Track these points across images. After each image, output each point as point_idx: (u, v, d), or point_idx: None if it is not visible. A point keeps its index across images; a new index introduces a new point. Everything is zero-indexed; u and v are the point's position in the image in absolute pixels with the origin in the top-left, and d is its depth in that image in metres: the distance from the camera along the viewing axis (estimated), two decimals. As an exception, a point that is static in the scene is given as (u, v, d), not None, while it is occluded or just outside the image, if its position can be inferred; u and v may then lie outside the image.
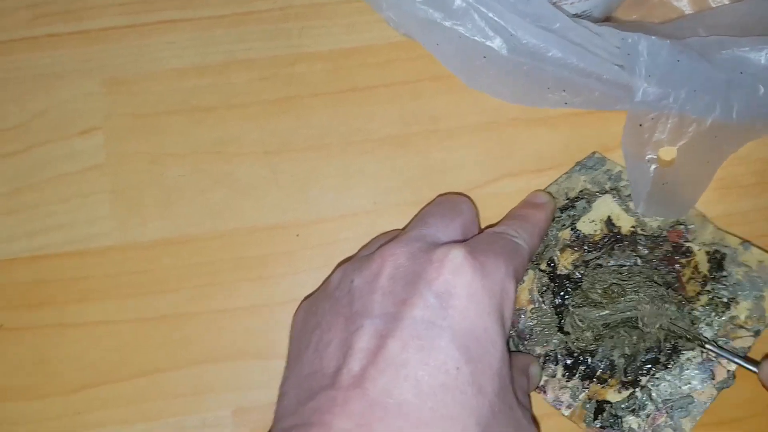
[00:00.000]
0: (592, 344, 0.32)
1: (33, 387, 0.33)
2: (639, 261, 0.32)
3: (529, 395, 0.31)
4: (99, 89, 0.35)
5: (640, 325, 0.32)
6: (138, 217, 0.34)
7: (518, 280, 0.28)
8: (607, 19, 0.32)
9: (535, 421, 0.30)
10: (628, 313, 0.32)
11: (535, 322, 0.33)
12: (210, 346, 0.33)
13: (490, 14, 0.25)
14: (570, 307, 0.32)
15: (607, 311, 0.32)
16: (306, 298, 0.32)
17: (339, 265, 0.30)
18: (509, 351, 0.29)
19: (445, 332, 0.25)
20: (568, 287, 0.33)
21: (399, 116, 0.35)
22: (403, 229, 0.32)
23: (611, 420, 0.31)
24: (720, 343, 0.31)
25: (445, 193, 0.34)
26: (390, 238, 0.30)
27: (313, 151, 0.35)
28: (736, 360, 0.31)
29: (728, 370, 0.31)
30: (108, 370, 0.33)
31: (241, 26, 0.35)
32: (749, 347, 0.31)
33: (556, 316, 0.32)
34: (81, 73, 0.35)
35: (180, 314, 0.33)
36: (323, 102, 0.35)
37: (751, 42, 0.28)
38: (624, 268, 0.32)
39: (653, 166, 0.29)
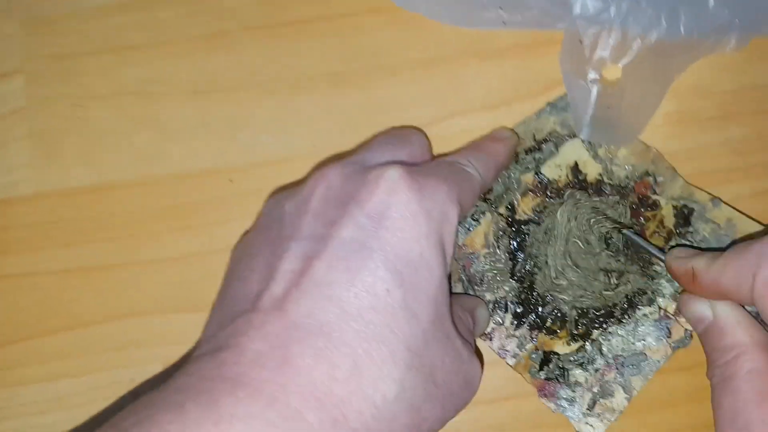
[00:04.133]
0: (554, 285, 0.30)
1: (-47, 344, 0.31)
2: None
3: (473, 336, 0.29)
4: (18, 30, 0.33)
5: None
6: (60, 163, 0.32)
7: (464, 209, 0.26)
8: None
9: (480, 356, 0.28)
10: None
11: (487, 267, 0.31)
12: (138, 298, 0.31)
13: None
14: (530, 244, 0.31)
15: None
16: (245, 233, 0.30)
17: (272, 194, 0.29)
18: (450, 282, 0.27)
19: (375, 254, 0.23)
20: (525, 233, 0.31)
21: (338, 52, 0.33)
22: None
23: (557, 372, 0.30)
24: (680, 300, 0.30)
25: (397, 126, 0.32)
26: None
27: (246, 90, 0.33)
28: (646, 246, 0.29)
29: (685, 329, 0.30)
30: (31, 324, 0.31)
31: (166, -42, 0.33)
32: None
33: (510, 262, 0.31)
34: (-1, 14, 0.33)
35: (106, 265, 0.32)
36: (256, 37, 0.33)
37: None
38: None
39: (596, 87, 0.27)
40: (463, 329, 0.26)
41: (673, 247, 0.30)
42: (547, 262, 0.31)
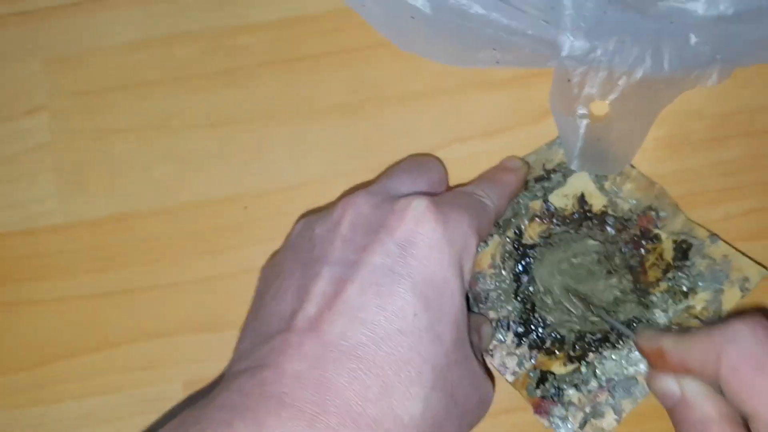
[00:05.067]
0: (551, 310, 0.32)
1: (-11, 365, 0.33)
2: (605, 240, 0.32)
3: (481, 353, 0.31)
4: (42, 68, 0.35)
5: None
6: (85, 194, 0.34)
7: (481, 238, 0.28)
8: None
9: (490, 376, 0.30)
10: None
11: (492, 287, 0.32)
12: (160, 320, 0.33)
13: (409, -29, 0.24)
14: (533, 268, 0.32)
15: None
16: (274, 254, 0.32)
17: (301, 217, 0.30)
18: (468, 305, 0.29)
19: (404, 279, 0.25)
20: (530, 256, 0.32)
21: (346, 84, 0.34)
22: None
23: (553, 391, 0.31)
24: (673, 330, 0.31)
25: (415, 154, 0.34)
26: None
27: (260, 122, 0.34)
28: (616, 325, 0.31)
29: None
30: (62, 346, 0.33)
31: (182, -2, 0.35)
32: None
33: (514, 284, 0.32)
34: (24, 53, 0.35)
35: (130, 290, 0.34)
36: (268, 72, 0.34)
37: (689, -8, 0.27)
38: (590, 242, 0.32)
39: (585, 122, 0.28)
40: (475, 348, 0.28)
41: (639, 325, 0.31)
42: (539, 278, 0.32)
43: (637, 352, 0.31)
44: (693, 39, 0.26)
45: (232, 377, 0.25)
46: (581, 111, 0.28)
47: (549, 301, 0.32)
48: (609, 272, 0.32)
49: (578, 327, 0.32)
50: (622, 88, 0.27)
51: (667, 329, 0.31)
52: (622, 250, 0.32)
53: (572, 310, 0.32)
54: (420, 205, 0.26)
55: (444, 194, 0.29)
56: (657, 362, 0.28)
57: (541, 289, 0.32)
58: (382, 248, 0.25)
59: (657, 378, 0.28)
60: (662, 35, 0.25)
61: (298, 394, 0.23)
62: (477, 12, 0.25)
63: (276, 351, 0.24)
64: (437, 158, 0.33)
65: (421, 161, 0.32)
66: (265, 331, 0.26)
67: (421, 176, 0.30)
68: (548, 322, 0.32)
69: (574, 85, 0.27)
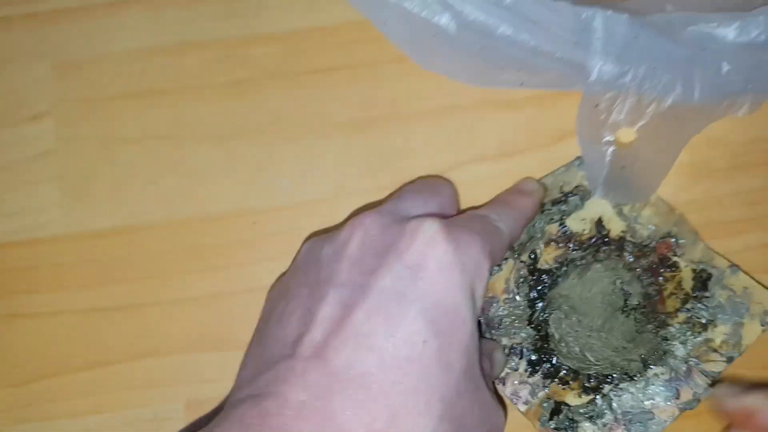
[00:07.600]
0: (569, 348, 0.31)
1: (-18, 379, 0.32)
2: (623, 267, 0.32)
3: (492, 381, 0.30)
4: (49, 73, 0.34)
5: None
6: (89, 204, 0.33)
7: (494, 263, 0.27)
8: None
9: (502, 405, 0.29)
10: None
11: (506, 312, 0.31)
12: (162, 337, 0.32)
13: (435, -11, 0.23)
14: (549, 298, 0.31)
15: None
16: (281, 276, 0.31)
17: (308, 237, 0.30)
18: (480, 331, 0.28)
19: (413, 304, 0.24)
20: (546, 282, 0.31)
21: (358, 100, 0.34)
22: None
23: (566, 423, 0.30)
24: (691, 363, 0.30)
25: (427, 176, 0.33)
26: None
27: (269, 135, 0.33)
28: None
29: (694, 392, 0.30)
30: (58, 361, 0.32)
31: (193, 6, 0.34)
32: (719, 372, 0.30)
33: (528, 309, 0.31)
34: (30, 57, 0.34)
35: (132, 305, 0.32)
36: (279, 85, 0.33)
37: (719, 18, 0.26)
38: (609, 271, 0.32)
39: (611, 149, 0.27)
40: (486, 376, 0.27)
41: (718, 384, 0.30)
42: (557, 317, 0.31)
43: (654, 385, 0.30)
44: (725, 67, 0.25)
45: (233, 405, 0.24)
46: (607, 138, 0.27)
47: (564, 350, 0.31)
48: (625, 304, 0.31)
49: (599, 368, 0.31)
50: (650, 116, 0.26)
51: (752, 386, 0.29)
52: (640, 277, 0.31)
53: (590, 358, 0.31)
54: (431, 227, 0.25)
55: (456, 217, 0.28)
56: (742, 424, 0.26)
57: (557, 336, 0.31)
58: (391, 271, 0.25)
59: None
60: (694, 62, 0.25)
61: (301, 426, 0.22)
62: (504, 32, 0.24)
63: (279, 379, 0.24)
64: (449, 181, 0.32)
65: (433, 183, 0.32)
66: (268, 357, 0.25)
67: (433, 198, 0.29)
68: (562, 353, 0.31)
69: (602, 110, 0.26)
